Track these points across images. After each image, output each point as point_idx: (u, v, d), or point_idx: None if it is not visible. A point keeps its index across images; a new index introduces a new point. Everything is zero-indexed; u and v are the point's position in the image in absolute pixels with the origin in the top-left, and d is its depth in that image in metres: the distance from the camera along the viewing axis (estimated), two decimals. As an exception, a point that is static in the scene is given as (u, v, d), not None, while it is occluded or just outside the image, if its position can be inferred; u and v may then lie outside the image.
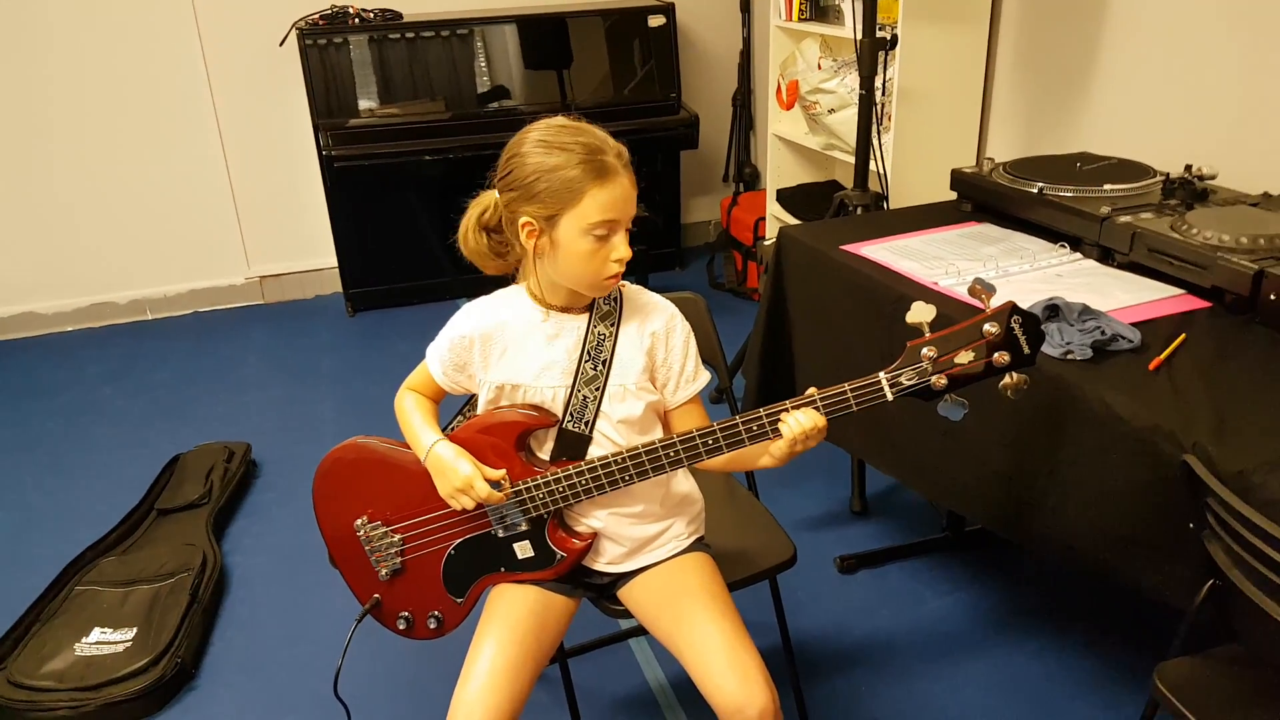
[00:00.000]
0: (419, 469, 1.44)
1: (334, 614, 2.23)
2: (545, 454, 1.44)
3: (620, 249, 1.32)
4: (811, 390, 1.31)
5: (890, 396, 1.28)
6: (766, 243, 3.49)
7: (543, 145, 1.30)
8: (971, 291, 1.26)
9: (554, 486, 1.40)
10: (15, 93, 3.56)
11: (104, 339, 3.84)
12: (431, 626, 1.54)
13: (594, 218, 1.29)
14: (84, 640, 2.09)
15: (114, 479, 2.81)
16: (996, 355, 1.24)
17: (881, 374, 1.27)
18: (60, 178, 3.71)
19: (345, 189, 3.72)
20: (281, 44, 3.63)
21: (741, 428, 1.32)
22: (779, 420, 1.30)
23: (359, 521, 1.51)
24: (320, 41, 3.52)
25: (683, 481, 1.53)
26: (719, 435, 1.33)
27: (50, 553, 2.41)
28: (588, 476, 1.38)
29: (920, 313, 1.25)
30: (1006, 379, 1.24)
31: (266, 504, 2.71)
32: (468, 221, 1.39)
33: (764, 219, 3.77)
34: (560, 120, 1.33)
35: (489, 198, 1.37)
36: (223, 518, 2.61)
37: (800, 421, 1.29)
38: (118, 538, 2.49)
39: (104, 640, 2.09)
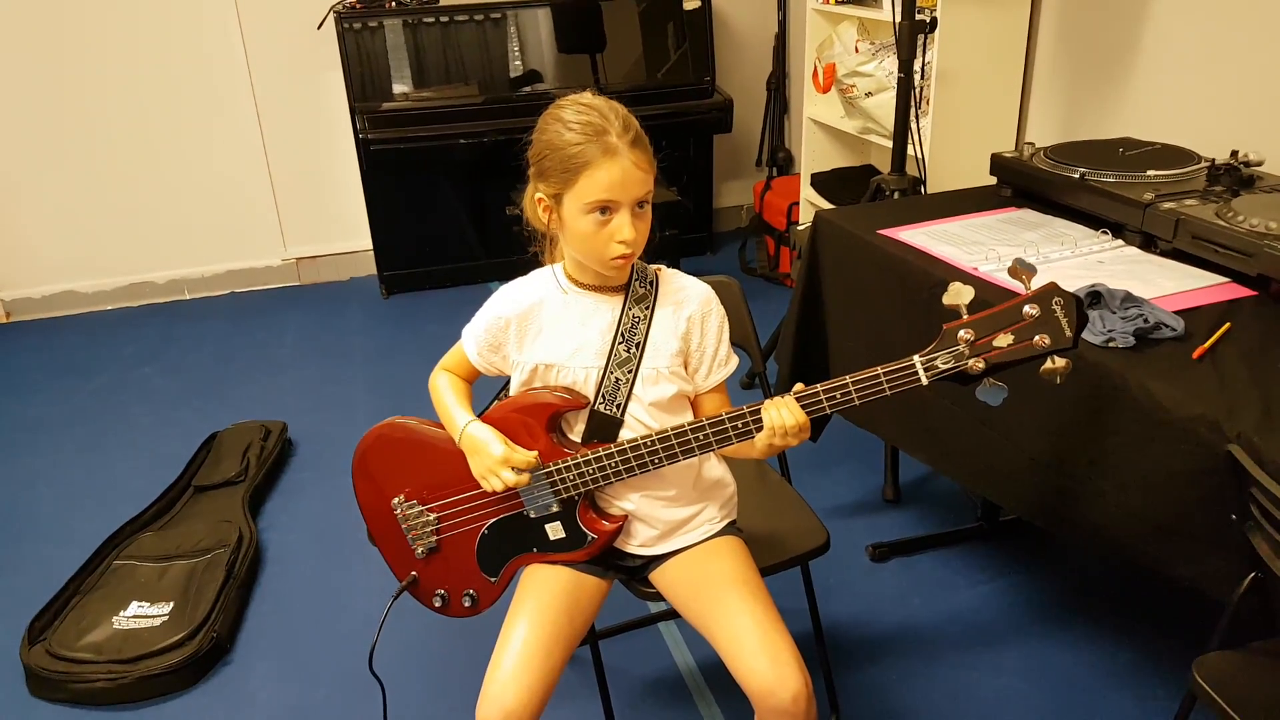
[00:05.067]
0: (454, 449, 1.45)
1: (367, 591, 2.25)
2: (576, 436, 1.44)
3: (623, 230, 1.31)
4: (800, 385, 1.30)
5: (925, 381, 1.26)
6: (800, 227, 3.47)
7: (556, 122, 1.31)
8: (1012, 272, 1.23)
9: (584, 468, 1.40)
10: (55, 75, 3.61)
11: (142, 318, 3.89)
12: (466, 604, 1.55)
13: (590, 197, 1.29)
14: (122, 614, 2.13)
15: (152, 456, 2.85)
16: (1037, 338, 1.21)
17: (916, 357, 1.25)
18: (100, 159, 3.76)
19: (380, 172, 3.74)
20: (319, 27, 3.65)
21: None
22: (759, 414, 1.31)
23: (396, 500, 1.53)
24: (356, 25, 3.54)
25: (715, 466, 1.52)
26: (748, 420, 1.32)
27: (90, 527, 2.45)
28: (618, 459, 1.38)
29: (958, 294, 1.23)
30: (1048, 364, 1.21)
31: (302, 482, 2.74)
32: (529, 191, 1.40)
33: (797, 203, 3.74)
34: (585, 98, 1.33)
35: None
36: (259, 495, 2.64)
37: (782, 417, 1.29)
38: (155, 513, 2.52)
39: (141, 614, 2.13)
